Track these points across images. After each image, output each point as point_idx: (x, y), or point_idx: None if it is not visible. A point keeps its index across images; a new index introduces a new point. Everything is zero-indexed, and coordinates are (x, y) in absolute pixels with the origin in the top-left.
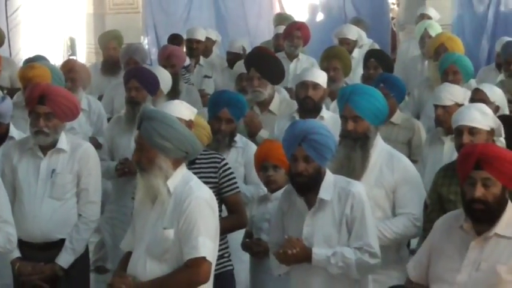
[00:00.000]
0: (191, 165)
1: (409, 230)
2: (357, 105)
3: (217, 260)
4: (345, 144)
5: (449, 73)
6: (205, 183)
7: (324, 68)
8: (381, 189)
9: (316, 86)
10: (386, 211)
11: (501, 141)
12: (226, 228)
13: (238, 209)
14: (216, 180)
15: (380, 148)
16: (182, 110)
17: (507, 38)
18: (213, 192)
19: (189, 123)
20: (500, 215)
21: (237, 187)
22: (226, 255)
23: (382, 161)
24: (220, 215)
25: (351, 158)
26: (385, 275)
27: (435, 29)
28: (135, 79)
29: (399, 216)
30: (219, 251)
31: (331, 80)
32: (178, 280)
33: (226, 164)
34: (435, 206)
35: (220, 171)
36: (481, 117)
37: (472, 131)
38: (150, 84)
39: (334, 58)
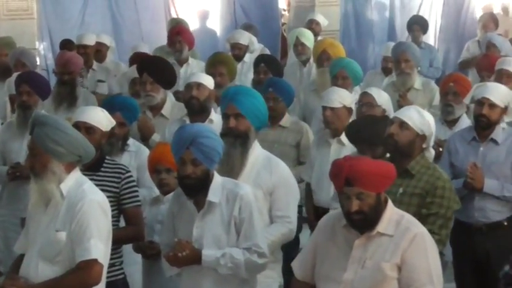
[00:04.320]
0: (96, 172)
1: (285, 237)
2: (239, 104)
3: (109, 268)
4: (226, 141)
5: (338, 78)
6: (106, 191)
7: (210, 74)
8: (259, 190)
9: (200, 85)
10: (264, 213)
11: (430, 151)
12: (122, 238)
13: (137, 222)
14: (117, 190)
15: (258, 152)
16: (102, 119)
17: (392, 43)
18: (113, 202)
19: (105, 134)
20: (381, 216)
21: (138, 201)
22: (117, 263)
23: (260, 163)
24: (117, 226)
25: (230, 155)
26: (261, 275)
27: (306, 36)
28: (26, 84)
29: (275, 223)
30: (111, 259)
31: (217, 86)
32: (69, 282)
33: (130, 176)
34: None
35: (123, 182)
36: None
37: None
38: (41, 89)
39: (219, 64)
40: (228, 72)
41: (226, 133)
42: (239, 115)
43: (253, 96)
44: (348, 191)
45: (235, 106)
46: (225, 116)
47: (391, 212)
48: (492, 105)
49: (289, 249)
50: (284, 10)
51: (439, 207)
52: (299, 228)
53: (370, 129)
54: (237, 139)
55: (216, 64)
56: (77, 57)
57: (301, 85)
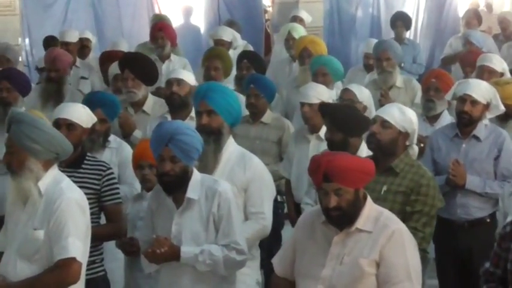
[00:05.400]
0: (77, 168)
1: (259, 233)
2: (212, 100)
3: (89, 265)
4: None
5: (319, 75)
6: (87, 188)
7: (205, 67)
8: (233, 186)
9: (180, 82)
10: (239, 209)
11: (414, 148)
12: (102, 235)
13: (117, 219)
14: (98, 187)
15: (232, 148)
16: (83, 115)
17: (374, 40)
18: (93, 199)
19: (86, 131)
20: (359, 212)
21: (119, 198)
22: (98, 260)
23: (234, 160)
24: (98, 223)
25: (204, 152)
26: (238, 272)
27: (298, 32)
28: (6, 80)
29: (249, 220)
30: (91, 256)
31: (211, 80)
32: (47, 280)
33: (111, 173)
34: None
35: (104, 179)
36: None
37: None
38: (22, 85)
39: (215, 58)
40: (223, 67)
41: (199, 130)
42: (212, 112)
43: (225, 92)
44: (326, 187)
45: (207, 103)
46: (198, 113)
47: (370, 208)
48: (474, 102)
49: (271, 245)
50: (268, 7)
51: (423, 205)
52: (281, 225)
53: (343, 114)
54: (210, 136)
55: (211, 58)
56: (64, 55)
57: None
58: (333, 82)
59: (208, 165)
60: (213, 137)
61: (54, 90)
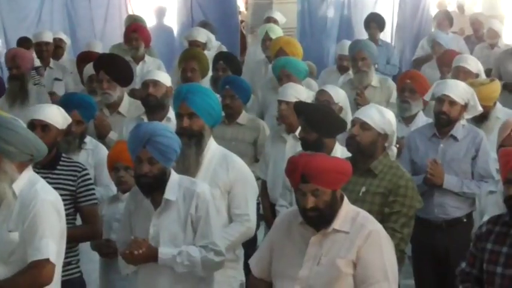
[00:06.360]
0: (52, 170)
1: (244, 236)
2: (192, 103)
3: (65, 266)
4: (180, 141)
5: (282, 78)
6: (62, 189)
7: (181, 69)
8: (216, 189)
9: (156, 83)
10: (222, 211)
11: (392, 149)
12: (78, 237)
13: (93, 220)
14: (74, 188)
15: (213, 149)
16: (58, 117)
17: (347, 41)
18: (69, 200)
19: (61, 132)
20: (336, 213)
21: (95, 199)
22: (73, 262)
23: (217, 161)
24: (74, 224)
25: (185, 155)
26: (222, 274)
27: (276, 32)
28: None
29: (234, 223)
30: (67, 258)
31: (188, 81)
32: (20, 282)
33: (87, 174)
34: None
35: (79, 180)
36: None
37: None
38: None
39: (192, 59)
40: (200, 69)
41: (180, 133)
42: (193, 114)
43: (205, 94)
44: (304, 188)
45: (188, 105)
46: (179, 116)
47: (347, 209)
48: (452, 102)
49: (247, 247)
50: (246, 8)
51: (402, 206)
52: (257, 226)
53: (318, 114)
54: (191, 139)
55: (188, 59)
56: (23, 52)
57: None
58: (300, 81)
59: (190, 169)
60: (194, 139)
61: (18, 89)
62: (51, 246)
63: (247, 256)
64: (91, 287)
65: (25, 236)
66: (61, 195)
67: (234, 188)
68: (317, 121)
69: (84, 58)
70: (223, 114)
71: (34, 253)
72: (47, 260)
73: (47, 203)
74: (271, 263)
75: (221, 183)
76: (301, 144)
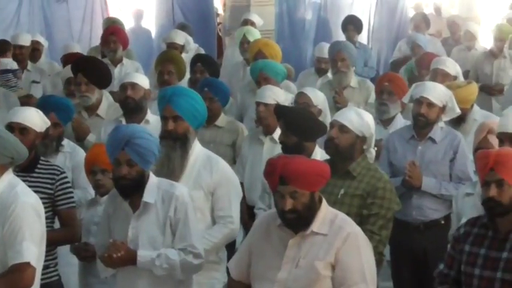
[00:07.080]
0: (30, 173)
1: (228, 238)
2: (177, 105)
3: (43, 269)
4: (165, 144)
5: (261, 80)
6: (40, 192)
7: (158, 72)
8: (200, 191)
9: (134, 85)
10: (205, 213)
11: (371, 152)
12: (56, 240)
13: (71, 223)
14: (52, 191)
15: (198, 151)
16: (36, 119)
17: (326, 43)
18: (47, 203)
19: (39, 135)
20: (315, 215)
21: (73, 202)
22: (52, 265)
23: (200, 163)
24: (52, 227)
25: (170, 157)
26: (205, 276)
27: (253, 35)
28: None
29: (217, 225)
30: (46, 261)
31: (165, 84)
32: (1, 285)
33: (65, 177)
34: None
35: (58, 183)
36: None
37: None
38: None
39: (168, 62)
40: (176, 71)
41: (165, 136)
42: (177, 117)
43: (190, 96)
44: (282, 190)
45: (172, 108)
46: (163, 118)
47: (325, 211)
48: (430, 105)
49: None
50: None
51: (380, 208)
52: None
53: (298, 118)
54: (176, 142)
55: (164, 62)
56: None
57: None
58: (278, 84)
59: (175, 172)
60: (179, 142)
61: None
62: (32, 249)
63: (229, 258)
64: None
65: (5, 239)
66: (39, 198)
67: (217, 190)
68: (297, 125)
69: (69, 60)
70: None
71: (15, 256)
72: (28, 263)
73: (28, 206)
74: (250, 266)
75: (205, 185)
76: (281, 148)
